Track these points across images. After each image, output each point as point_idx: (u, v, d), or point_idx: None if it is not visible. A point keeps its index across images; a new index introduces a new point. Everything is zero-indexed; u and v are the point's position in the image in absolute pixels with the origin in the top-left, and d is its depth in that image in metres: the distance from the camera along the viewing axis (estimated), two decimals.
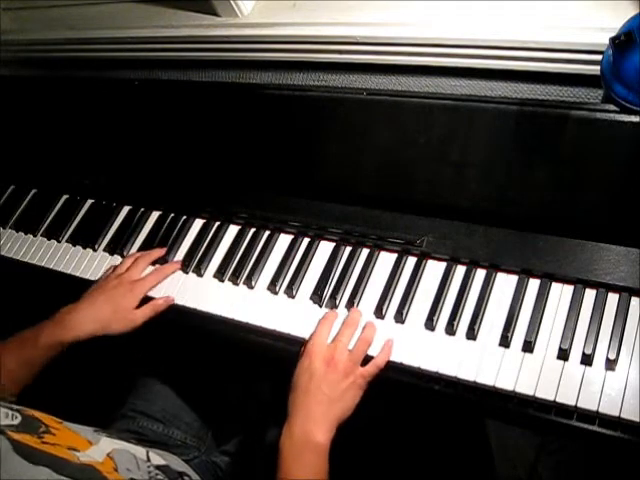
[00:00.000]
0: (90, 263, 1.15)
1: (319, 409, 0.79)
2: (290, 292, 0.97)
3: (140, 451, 0.79)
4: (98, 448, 0.71)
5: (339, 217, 0.99)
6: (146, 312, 0.99)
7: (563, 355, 0.79)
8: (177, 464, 0.86)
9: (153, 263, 1.08)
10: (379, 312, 0.90)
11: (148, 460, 0.79)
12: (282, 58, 1.17)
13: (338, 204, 1.00)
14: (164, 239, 1.12)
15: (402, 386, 0.86)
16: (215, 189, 1.12)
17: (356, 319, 0.88)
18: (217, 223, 1.10)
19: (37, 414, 0.70)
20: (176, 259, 1.09)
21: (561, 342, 0.79)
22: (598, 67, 0.85)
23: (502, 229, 0.89)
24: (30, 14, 1.47)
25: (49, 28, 1.41)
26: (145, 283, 1.01)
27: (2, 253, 1.24)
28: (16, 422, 0.65)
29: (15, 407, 0.68)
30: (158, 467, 0.79)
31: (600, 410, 0.74)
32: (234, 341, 0.99)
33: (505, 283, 0.87)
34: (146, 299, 1.02)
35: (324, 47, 1.10)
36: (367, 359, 0.85)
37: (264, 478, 1.00)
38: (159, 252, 1.08)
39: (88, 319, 0.95)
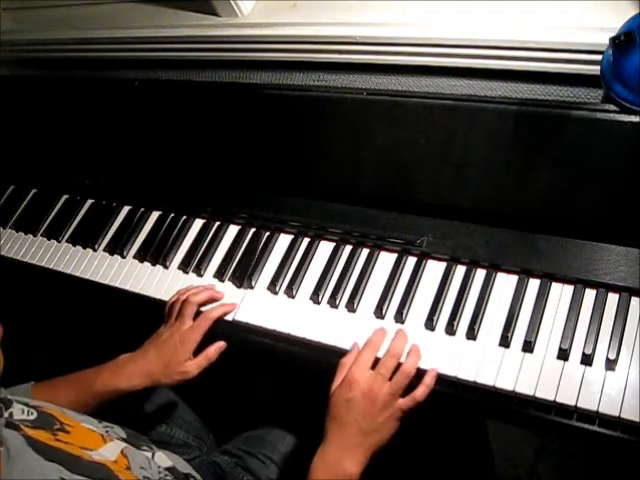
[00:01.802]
0: (90, 263, 1.15)
1: (354, 441, 0.78)
2: (290, 292, 0.97)
3: (147, 454, 0.79)
4: (112, 445, 0.72)
5: (339, 217, 0.99)
6: (201, 363, 0.94)
7: (563, 355, 0.79)
8: (182, 465, 0.87)
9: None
10: (379, 312, 0.90)
11: (154, 462, 0.79)
12: (282, 58, 1.17)
13: (338, 204, 1.00)
14: (164, 239, 1.12)
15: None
16: (215, 189, 1.12)
17: (400, 348, 0.84)
18: (217, 223, 1.10)
19: (53, 412, 0.70)
20: (176, 259, 1.09)
21: (561, 342, 0.79)
22: (598, 67, 0.85)
23: (502, 229, 0.89)
24: (30, 14, 1.47)
25: (49, 28, 1.41)
26: (194, 334, 0.95)
27: (2, 253, 1.24)
28: (32, 418, 0.66)
29: (32, 404, 0.68)
30: (166, 469, 0.79)
31: (600, 410, 0.74)
32: (234, 341, 0.99)
33: (505, 283, 0.87)
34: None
35: (324, 47, 1.10)
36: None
37: (265, 478, 1.00)
38: (208, 294, 1.00)
39: (140, 373, 0.93)
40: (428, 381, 0.81)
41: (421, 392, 0.80)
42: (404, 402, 0.80)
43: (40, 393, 0.90)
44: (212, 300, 1.00)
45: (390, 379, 0.81)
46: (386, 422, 0.79)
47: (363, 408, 0.79)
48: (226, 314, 0.99)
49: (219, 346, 0.96)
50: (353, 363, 0.83)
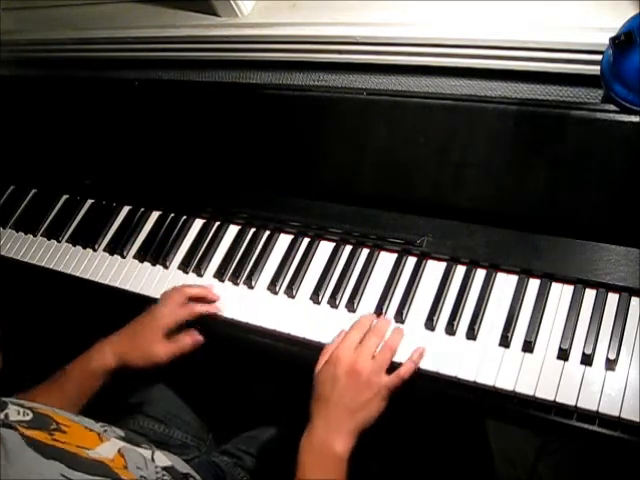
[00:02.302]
0: (90, 263, 1.15)
1: (339, 419, 0.77)
2: (290, 292, 0.97)
3: (146, 452, 0.79)
4: (108, 444, 0.72)
5: (339, 217, 0.99)
6: (171, 349, 0.94)
7: (563, 355, 0.79)
8: (181, 465, 0.86)
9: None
10: (379, 312, 0.90)
11: (153, 461, 0.79)
12: (282, 58, 1.17)
13: (338, 204, 1.00)
14: (164, 239, 1.12)
15: (402, 386, 0.86)
16: (215, 189, 1.12)
17: (383, 328, 0.85)
18: (217, 223, 1.10)
19: (49, 412, 0.70)
20: (176, 259, 1.09)
21: (561, 342, 0.79)
22: (598, 67, 0.85)
23: (502, 229, 0.89)
24: (30, 14, 1.47)
25: (49, 28, 1.41)
26: (168, 318, 0.95)
27: (2, 253, 1.24)
28: (27, 418, 0.65)
29: (27, 405, 0.68)
30: (164, 468, 0.79)
31: (600, 410, 0.74)
32: (234, 341, 0.99)
33: (505, 283, 0.87)
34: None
35: (324, 47, 1.10)
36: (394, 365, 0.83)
37: (264, 479, 1.00)
38: (201, 290, 1.00)
39: (111, 352, 0.94)
40: (415, 357, 0.81)
41: (406, 368, 0.80)
42: (389, 379, 0.80)
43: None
44: (204, 297, 1.00)
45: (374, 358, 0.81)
46: (371, 400, 0.78)
47: (347, 385, 0.78)
48: (209, 313, 0.98)
49: (195, 339, 0.96)
50: (339, 343, 0.83)
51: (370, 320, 0.87)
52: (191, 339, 0.96)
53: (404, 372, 0.80)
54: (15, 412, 0.65)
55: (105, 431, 0.77)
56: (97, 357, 0.94)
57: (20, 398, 0.88)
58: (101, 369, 0.94)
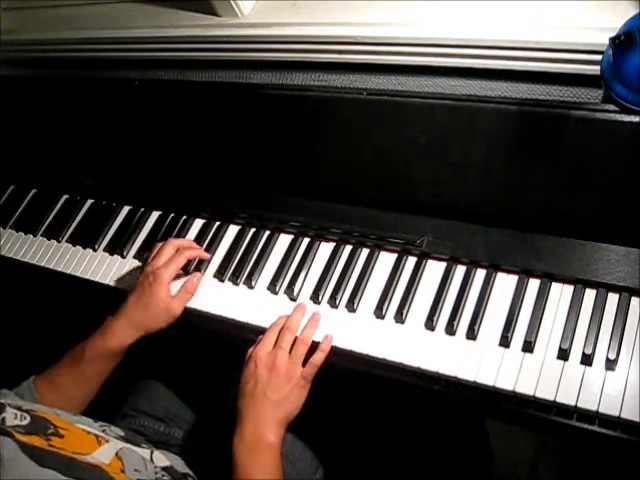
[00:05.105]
0: (90, 263, 1.16)
1: (266, 413, 0.83)
2: (290, 292, 0.97)
3: (145, 452, 0.80)
4: (106, 448, 0.72)
5: (339, 217, 0.99)
6: (183, 299, 0.96)
7: (563, 355, 0.79)
8: (180, 465, 0.87)
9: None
10: (379, 312, 0.90)
11: (152, 462, 0.79)
12: (282, 58, 1.17)
13: (338, 204, 1.00)
14: (164, 239, 1.11)
15: (402, 386, 0.86)
16: (215, 189, 1.12)
17: (296, 322, 0.91)
18: (217, 223, 1.10)
19: (46, 415, 0.70)
20: None
21: (561, 342, 0.79)
22: (598, 67, 0.85)
23: (502, 229, 0.89)
24: (30, 14, 1.47)
25: (49, 28, 1.41)
26: (168, 269, 0.95)
27: (2, 253, 1.24)
28: (25, 423, 0.65)
29: (25, 407, 0.68)
30: (163, 469, 0.79)
31: (600, 410, 0.74)
32: (234, 341, 0.99)
33: (505, 283, 0.87)
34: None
35: (324, 47, 1.10)
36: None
37: None
38: (189, 242, 1.03)
39: (126, 326, 0.94)
40: (324, 346, 0.88)
41: (318, 357, 0.87)
42: (305, 370, 0.86)
43: (44, 384, 0.91)
44: (190, 246, 1.02)
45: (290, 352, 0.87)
46: (293, 391, 0.85)
47: (269, 381, 0.84)
48: (201, 257, 1.02)
49: (197, 277, 0.99)
50: (257, 344, 0.88)
51: (284, 319, 0.92)
52: (195, 278, 0.99)
53: (317, 360, 0.87)
54: (12, 416, 0.65)
55: (104, 431, 0.77)
56: (114, 336, 0.94)
57: (38, 381, 0.91)
58: (120, 347, 0.94)
